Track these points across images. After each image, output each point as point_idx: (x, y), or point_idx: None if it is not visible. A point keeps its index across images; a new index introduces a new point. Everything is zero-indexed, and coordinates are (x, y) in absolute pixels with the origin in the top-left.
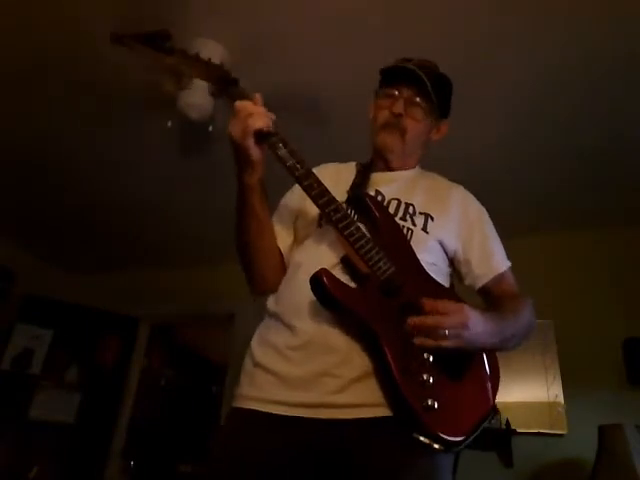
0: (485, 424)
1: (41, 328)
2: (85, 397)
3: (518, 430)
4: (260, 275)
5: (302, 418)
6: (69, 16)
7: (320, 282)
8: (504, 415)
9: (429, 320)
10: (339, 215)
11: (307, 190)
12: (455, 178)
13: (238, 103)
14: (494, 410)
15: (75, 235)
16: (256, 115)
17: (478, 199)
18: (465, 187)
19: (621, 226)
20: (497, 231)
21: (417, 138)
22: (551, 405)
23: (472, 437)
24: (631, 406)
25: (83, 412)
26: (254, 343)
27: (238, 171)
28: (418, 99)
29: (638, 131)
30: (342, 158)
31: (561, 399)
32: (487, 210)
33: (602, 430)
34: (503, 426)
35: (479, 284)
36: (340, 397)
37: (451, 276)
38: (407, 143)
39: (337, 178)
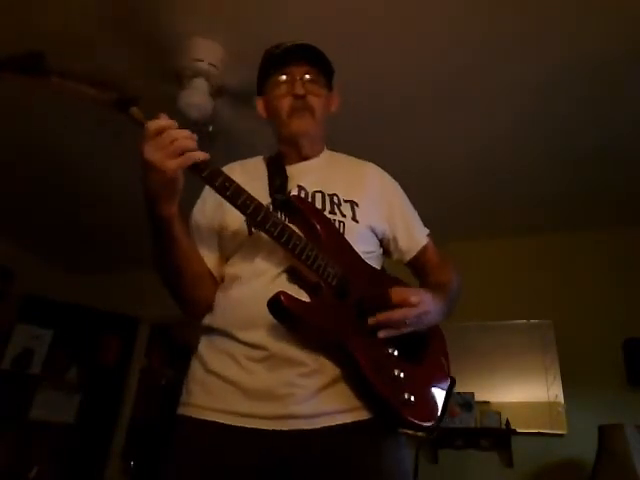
0: (451, 396)
1: (41, 328)
2: (85, 397)
3: (518, 430)
4: (197, 300)
5: (267, 430)
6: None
7: (281, 305)
8: (504, 415)
9: (396, 315)
10: (279, 229)
11: (241, 209)
12: (455, 178)
13: (153, 124)
14: (453, 382)
15: (75, 235)
16: (186, 141)
17: (478, 199)
18: (465, 187)
19: (621, 226)
20: (497, 231)
21: (324, 114)
22: (551, 405)
23: (445, 413)
24: (631, 406)
25: (83, 412)
26: (203, 348)
27: (156, 204)
28: (313, 75)
29: (638, 131)
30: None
31: (561, 399)
32: (487, 210)
33: (602, 430)
34: (503, 426)
35: (407, 258)
36: (306, 407)
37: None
38: (318, 122)
39: (248, 178)
